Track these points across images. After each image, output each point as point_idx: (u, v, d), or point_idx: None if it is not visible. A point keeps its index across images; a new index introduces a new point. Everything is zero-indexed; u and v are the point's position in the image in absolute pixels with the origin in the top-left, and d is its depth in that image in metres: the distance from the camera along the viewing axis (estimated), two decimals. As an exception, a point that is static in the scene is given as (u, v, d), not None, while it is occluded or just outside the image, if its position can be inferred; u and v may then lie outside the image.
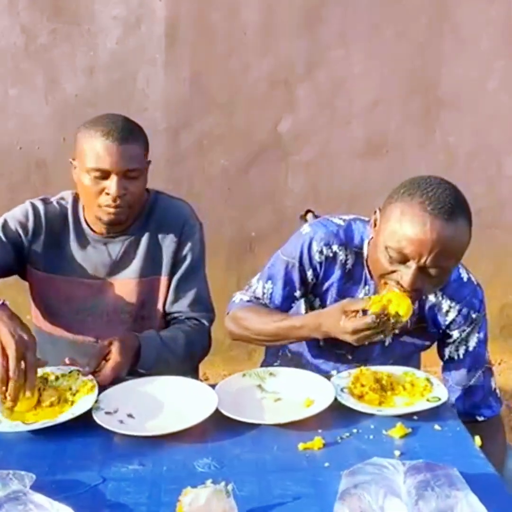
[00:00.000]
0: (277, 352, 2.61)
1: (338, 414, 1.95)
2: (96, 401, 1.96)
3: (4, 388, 1.89)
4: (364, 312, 1.98)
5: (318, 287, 2.28)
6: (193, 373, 2.54)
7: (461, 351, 2.23)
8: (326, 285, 2.26)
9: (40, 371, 2.05)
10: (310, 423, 1.89)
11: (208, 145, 4.03)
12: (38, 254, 2.41)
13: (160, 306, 2.48)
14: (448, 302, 2.19)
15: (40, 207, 2.41)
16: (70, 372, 2.10)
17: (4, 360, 1.90)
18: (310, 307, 2.34)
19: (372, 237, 2.13)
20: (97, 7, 3.80)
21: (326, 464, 1.74)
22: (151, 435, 1.84)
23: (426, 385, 2.08)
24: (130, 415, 1.94)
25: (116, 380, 2.12)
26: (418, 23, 3.96)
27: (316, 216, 2.91)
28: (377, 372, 2.10)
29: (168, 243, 2.45)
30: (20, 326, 1.97)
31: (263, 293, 2.30)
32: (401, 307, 1.94)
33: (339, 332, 2.01)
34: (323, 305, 2.29)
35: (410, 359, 2.40)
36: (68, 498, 1.54)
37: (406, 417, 1.93)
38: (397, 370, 2.16)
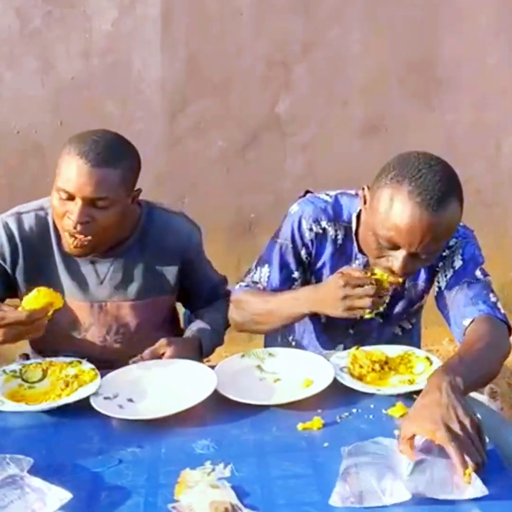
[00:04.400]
0: (277, 338, 2.61)
1: (338, 394, 1.94)
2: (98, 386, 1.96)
3: None
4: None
5: (313, 266, 2.28)
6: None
7: (449, 274, 2.17)
8: (320, 263, 2.25)
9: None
10: (309, 403, 1.88)
11: (206, 127, 4.01)
12: (22, 279, 2.25)
13: (163, 324, 2.42)
14: None
15: (13, 225, 2.20)
16: (71, 362, 2.09)
17: None
18: (308, 284, 2.32)
19: (359, 210, 2.15)
20: (91, -11, 3.77)
21: (325, 444, 1.73)
22: (150, 419, 1.83)
23: (426, 363, 2.07)
24: (130, 400, 1.94)
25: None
26: (415, 0, 3.92)
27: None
28: (372, 353, 2.09)
29: (169, 264, 2.32)
30: None
31: (260, 278, 2.27)
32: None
33: (330, 296, 2.00)
34: (319, 281, 2.28)
35: (414, 317, 2.43)
36: (65, 482, 1.54)
37: (406, 396, 1.92)
38: (396, 350, 2.16)
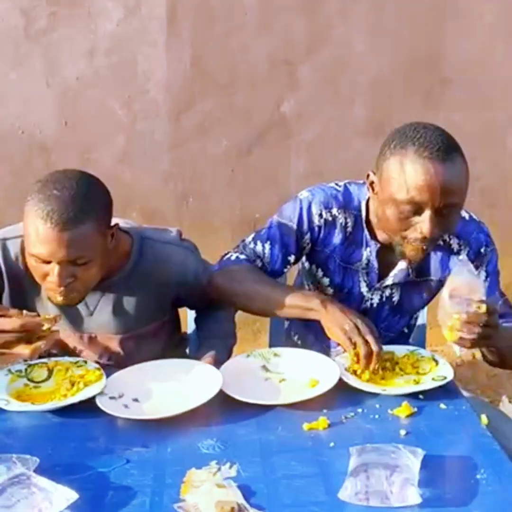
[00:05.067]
0: (282, 337, 2.62)
1: (343, 393, 1.94)
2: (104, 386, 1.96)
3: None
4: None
5: (318, 254, 2.27)
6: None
7: None
8: (327, 251, 2.25)
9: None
10: (314, 403, 1.88)
11: (210, 127, 4.00)
12: (9, 305, 2.17)
13: (160, 337, 2.39)
14: (456, 240, 2.21)
15: None
16: (77, 362, 2.09)
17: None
18: (314, 278, 2.34)
19: (368, 198, 2.18)
20: (96, -11, 3.77)
21: (331, 444, 1.73)
22: (156, 418, 1.83)
23: (432, 364, 2.07)
24: (135, 399, 1.94)
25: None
26: None
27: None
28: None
29: (164, 296, 2.31)
30: None
31: (263, 253, 2.25)
32: None
33: (336, 317, 2.03)
34: (326, 274, 2.29)
35: (416, 313, 2.45)
36: (72, 481, 1.55)
37: (411, 396, 1.92)
38: (402, 349, 2.16)
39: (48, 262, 1.95)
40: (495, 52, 4.02)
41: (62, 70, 3.83)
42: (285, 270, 2.29)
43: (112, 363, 2.28)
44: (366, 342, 1.97)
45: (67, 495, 1.49)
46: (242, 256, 2.27)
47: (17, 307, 1.94)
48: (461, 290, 1.86)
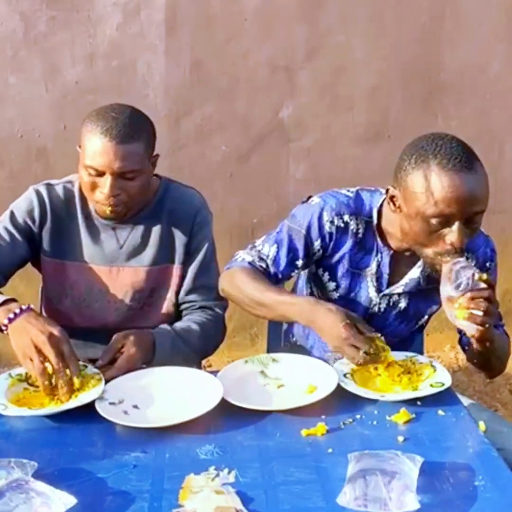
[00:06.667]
0: (280, 340, 2.62)
1: (341, 400, 1.94)
2: (102, 392, 1.96)
3: (47, 383, 1.92)
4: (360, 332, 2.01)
5: (327, 259, 2.27)
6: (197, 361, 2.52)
7: None
8: (337, 256, 2.25)
9: None
10: (313, 409, 1.88)
11: (209, 132, 4.01)
12: (47, 241, 2.40)
13: (170, 294, 2.46)
14: (465, 253, 2.17)
15: (44, 192, 2.39)
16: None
17: (43, 358, 1.92)
18: (319, 281, 2.34)
19: (380, 205, 2.20)
20: (96, -6, 3.78)
21: (330, 450, 1.73)
22: (155, 427, 1.83)
23: (430, 370, 2.07)
24: (135, 406, 1.94)
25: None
26: (419, 7, 3.93)
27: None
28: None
29: (180, 233, 2.42)
30: (48, 323, 1.99)
31: (268, 256, 2.26)
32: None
33: (329, 332, 2.02)
34: (332, 278, 2.29)
35: (421, 321, 2.43)
36: (70, 486, 1.55)
37: (409, 403, 1.92)
38: (400, 356, 2.16)
39: (101, 175, 2.20)
40: (493, 59, 4.04)
41: (62, 74, 3.85)
42: (292, 274, 2.30)
43: (134, 304, 2.45)
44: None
45: (66, 500, 1.48)
46: (248, 258, 2.28)
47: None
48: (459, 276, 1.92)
